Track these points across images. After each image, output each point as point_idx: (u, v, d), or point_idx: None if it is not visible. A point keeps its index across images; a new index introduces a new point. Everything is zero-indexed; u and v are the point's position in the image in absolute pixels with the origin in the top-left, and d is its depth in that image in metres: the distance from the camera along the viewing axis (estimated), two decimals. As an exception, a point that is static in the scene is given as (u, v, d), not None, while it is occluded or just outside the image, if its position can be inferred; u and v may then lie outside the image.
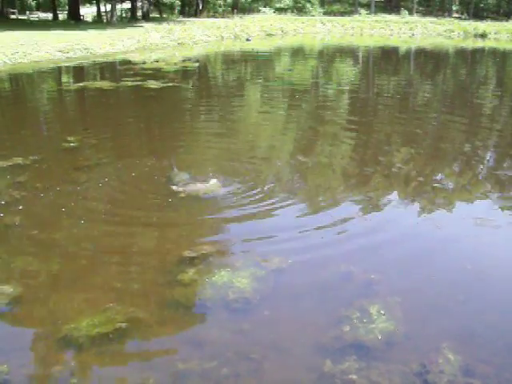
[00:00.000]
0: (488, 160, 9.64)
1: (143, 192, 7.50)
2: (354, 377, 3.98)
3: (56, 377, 4.03)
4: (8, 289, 5.01)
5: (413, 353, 4.30)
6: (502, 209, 7.36)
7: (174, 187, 7.32)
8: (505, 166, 9.35)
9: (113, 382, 4.05)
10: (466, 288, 5.37)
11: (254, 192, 7.43)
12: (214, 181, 7.55)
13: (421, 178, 8.40)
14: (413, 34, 43.52)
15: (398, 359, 4.22)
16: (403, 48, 35.47)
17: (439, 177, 8.63)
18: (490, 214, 7.03)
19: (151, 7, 54.10)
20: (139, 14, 50.65)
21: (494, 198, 7.76)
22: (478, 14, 58.24)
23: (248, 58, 28.34)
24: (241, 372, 4.07)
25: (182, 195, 7.14)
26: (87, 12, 56.47)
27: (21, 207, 6.89)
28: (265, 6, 58.64)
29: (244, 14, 54.07)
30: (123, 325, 4.48)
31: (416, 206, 7.49)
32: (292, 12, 57.91)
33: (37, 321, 4.77)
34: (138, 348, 4.41)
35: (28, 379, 4.05)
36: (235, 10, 55.92)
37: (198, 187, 7.36)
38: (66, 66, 22.42)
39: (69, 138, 9.99)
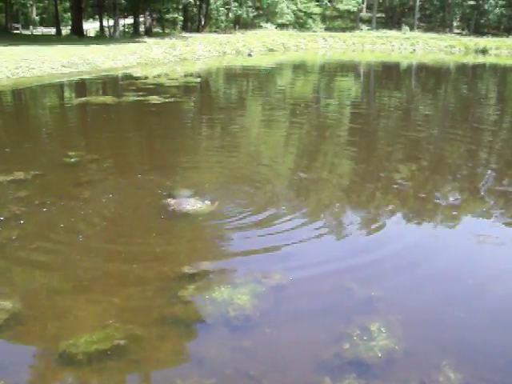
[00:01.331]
0: (491, 176, 9.60)
1: (143, 208, 7.50)
2: (354, 395, 3.96)
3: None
4: (7, 304, 5.01)
5: (413, 370, 4.27)
6: (506, 225, 7.35)
7: (175, 204, 7.32)
8: (508, 182, 9.34)
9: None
10: (468, 305, 5.34)
11: (254, 209, 7.43)
12: (214, 197, 7.55)
13: (423, 195, 8.40)
14: (414, 50, 43.80)
15: (398, 377, 4.19)
16: (404, 63, 35.64)
17: (441, 193, 8.58)
18: (493, 231, 7.01)
19: (154, 23, 54.42)
20: (142, 29, 50.92)
21: (497, 214, 7.75)
22: (478, 30, 58.53)
23: (250, 73, 28.44)
24: (240, 390, 4.05)
25: (182, 212, 7.13)
26: (90, 27, 56.81)
27: (21, 221, 6.90)
28: (267, 22, 58.94)
29: (246, 29, 54.33)
30: (122, 342, 4.46)
31: (418, 222, 7.47)
32: (294, 28, 58.26)
33: (35, 336, 4.74)
34: (136, 364, 4.38)
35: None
36: (237, 26, 56.26)
37: (199, 204, 7.36)
38: (69, 81, 22.54)
39: (70, 153, 10.00)
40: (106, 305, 5.16)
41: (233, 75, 28.21)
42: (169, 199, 7.52)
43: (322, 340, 4.69)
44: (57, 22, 48.67)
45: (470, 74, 31.08)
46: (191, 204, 7.33)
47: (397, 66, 34.47)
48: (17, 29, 52.37)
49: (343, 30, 58.71)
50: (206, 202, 7.44)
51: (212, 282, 5.48)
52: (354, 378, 4.12)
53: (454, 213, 7.76)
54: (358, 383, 4.07)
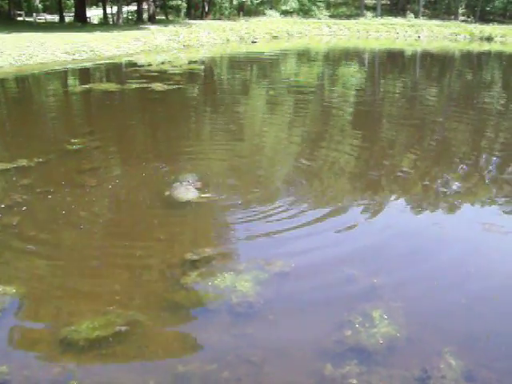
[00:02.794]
0: (496, 164, 9.58)
1: (146, 195, 7.50)
2: (355, 381, 3.97)
3: (56, 379, 4.03)
4: (11, 289, 5.04)
5: (414, 357, 4.28)
6: (511, 214, 7.33)
7: (178, 191, 7.31)
8: (513, 169, 9.30)
9: (114, 384, 4.05)
10: (470, 293, 5.33)
11: (257, 195, 7.43)
12: (217, 184, 7.55)
13: (426, 182, 8.38)
14: (419, 37, 43.51)
15: (399, 364, 4.20)
16: (409, 51, 35.42)
17: (445, 180, 8.56)
18: (499, 219, 7.00)
19: (157, 9, 54.18)
20: (145, 16, 50.69)
21: (502, 202, 7.72)
22: (484, 17, 58.08)
23: (254, 60, 28.33)
24: (241, 375, 4.06)
25: (186, 198, 7.13)
26: (93, 14, 56.61)
27: (24, 208, 6.92)
28: (271, 9, 58.63)
29: (250, 16, 54.05)
30: (123, 328, 4.49)
31: (421, 210, 7.45)
32: (298, 15, 57.92)
33: (37, 322, 4.78)
34: (138, 350, 4.39)
35: (28, 380, 4.04)
36: (241, 13, 55.95)
37: (202, 191, 7.36)
38: (72, 68, 22.49)
39: (73, 140, 10.01)
40: (109, 291, 5.18)
41: (237, 62, 28.10)
42: (172, 186, 7.52)
43: (323, 327, 4.70)
44: (60, 10, 48.51)
45: (475, 61, 30.90)
46: (194, 191, 7.33)
47: (401, 53, 34.26)
48: (20, 16, 52.10)
49: (347, 17, 58.31)
50: (209, 188, 7.44)
51: (215, 268, 5.49)
52: (356, 365, 4.13)
53: (458, 201, 7.74)
54: (360, 370, 4.08)
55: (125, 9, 53.03)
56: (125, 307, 4.84)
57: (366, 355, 4.26)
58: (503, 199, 7.89)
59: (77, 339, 4.35)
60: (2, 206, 6.99)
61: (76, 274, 5.51)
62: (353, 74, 23.04)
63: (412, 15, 56.73)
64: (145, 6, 50.56)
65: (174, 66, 22.41)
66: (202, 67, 23.88)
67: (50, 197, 7.33)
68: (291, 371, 4.15)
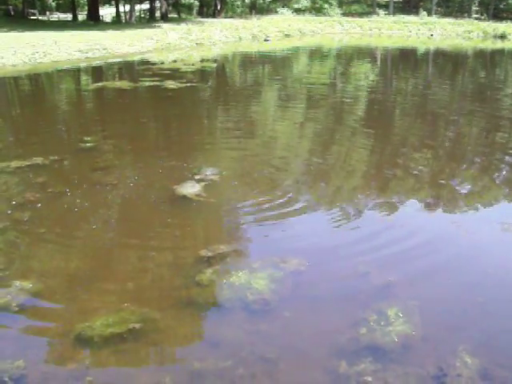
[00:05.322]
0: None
1: (161, 192, 7.52)
2: (370, 379, 3.97)
3: (71, 374, 4.07)
4: (27, 285, 5.09)
5: (430, 356, 4.27)
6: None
7: (193, 188, 7.34)
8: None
9: (129, 380, 4.07)
10: (486, 292, 5.28)
11: (272, 193, 7.43)
12: (232, 181, 7.56)
13: (442, 181, 8.32)
14: (431, 35, 43.24)
15: (414, 362, 4.19)
16: (422, 49, 35.25)
17: (461, 179, 8.50)
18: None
19: (170, 8, 54.24)
20: (158, 14, 50.83)
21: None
22: (497, 15, 57.61)
23: (266, 58, 28.31)
24: (256, 372, 4.07)
25: (200, 196, 7.16)
26: (106, 13, 56.86)
27: (39, 205, 6.97)
28: (283, 7, 58.52)
29: (262, 14, 53.99)
30: (137, 325, 4.51)
31: (438, 208, 7.41)
32: (310, 13, 57.72)
33: (53, 318, 4.81)
34: (153, 347, 4.42)
35: (44, 375, 4.08)
36: (253, 11, 55.88)
37: (216, 188, 7.38)
38: (85, 66, 22.60)
39: (87, 138, 10.07)
40: (123, 288, 5.20)
41: (249, 60, 28.10)
42: (187, 183, 7.54)
43: (338, 324, 4.69)
44: (73, 8, 48.72)
45: (488, 59, 30.68)
46: (209, 188, 7.35)
47: (414, 51, 34.10)
48: (34, 14, 52.49)
49: (360, 15, 58.06)
50: (224, 185, 7.46)
51: (229, 266, 5.51)
52: (371, 362, 4.13)
53: (477, 199, 7.67)
54: (375, 367, 4.08)
55: (137, 7, 53.19)
56: (139, 304, 4.86)
57: (381, 353, 4.25)
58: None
59: (91, 336, 4.38)
60: (16, 202, 7.05)
61: (90, 270, 5.54)
62: (366, 72, 22.96)
63: (425, 13, 56.31)
64: (157, 5, 50.70)
65: (187, 64, 22.45)
66: (215, 65, 23.89)
67: (63, 195, 7.37)
68: (306, 368, 4.15)
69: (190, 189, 7.30)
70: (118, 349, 4.33)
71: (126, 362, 4.29)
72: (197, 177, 7.85)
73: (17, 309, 4.80)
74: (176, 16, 54.07)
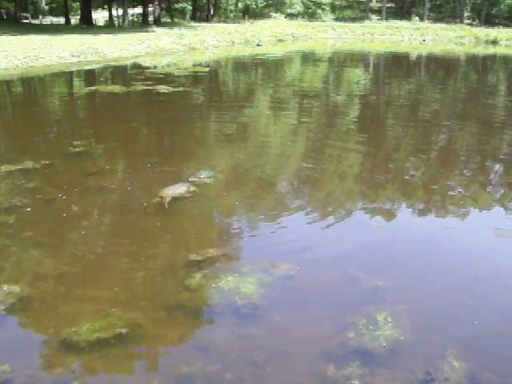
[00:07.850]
0: (506, 168, 9.43)
1: (150, 197, 7.50)
2: (357, 382, 3.97)
3: (58, 379, 4.05)
4: (15, 289, 5.07)
5: (418, 360, 4.28)
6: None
7: (182, 192, 7.33)
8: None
9: (117, 385, 4.06)
10: (475, 297, 5.32)
11: (262, 198, 7.43)
12: (222, 185, 7.56)
13: (434, 186, 8.34)
14: (424, 40, 43.40)
15: (402, 366, 4.20)
16: (414, 54, 35.37)
17: (453, 184, 8.51)
18: (510, 225, 6.96)
19: (163, 12, 54.26)
20: (151, 18, 50.80)
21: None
22: (489, 21, 57.95)
23: (259, 63, 28.34)
24: (245, 376, 4.07)
25: (190, 199, 7.15)
26: (99, 16, 56.72)
27: (28, 209, 6.94)
28: (276, 12, 58.65)
29: (255, 19, 54.08)
30: (124, 330, 4.50)
31: (429, 213, 7.43)
32: (303, 18, 57.91)
33: (39, 322, 4.80)
34: (141, 351, 4.41)
35: (30, 380, 4.06)
36: (246, 16, 55.96)
37: (206, 192, 7.37)
38: (78, 70, 22.55)
39: (78, 143, 10.05)
40: (111, 293, 5.18)
41: (242, 65, 28.12)
42: (176, 187, 7.52)
43: (327, 329, 4.70)
44: (66, 12, 48.65)
45: (480, 64, 30.83)
46: (198, 192, 7.34)
47: (406, 56, 34.22)
48: (26, 18, 52.31)
49: (352, 20, 58.19)
50: (214, 189, 7.45)
51: (219, 270, 5.50)
52: (358, 366, 4.13)
53: (469, 205, 7.66)
54: (362, 371, 4.08)
55: (130, 11, 53.12)
56: (127, 309, 4.85)
57: (369, 357, 4.26)
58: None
59: (77, 341, 4.36)
60: (7, 206, 7.02)
61: (78, 275, 5.52)
62: (358, 77, 23.01)
63: (417, 18, 56.59)
64: (150, 9, 50.67)
65: (179, 69, 22.45)
66: (207, 70, 23.88)
67: (53, 200, 7.35)
68: (294, 372, 4.15)
69: (177, 189, 7.30)
70: (104, 354, 4.31)
71: (112, 367, 4.27)
72: (189, 179, 7.84)
73: (4, 313, 4.78)
74: (169, 20, 53.98)
